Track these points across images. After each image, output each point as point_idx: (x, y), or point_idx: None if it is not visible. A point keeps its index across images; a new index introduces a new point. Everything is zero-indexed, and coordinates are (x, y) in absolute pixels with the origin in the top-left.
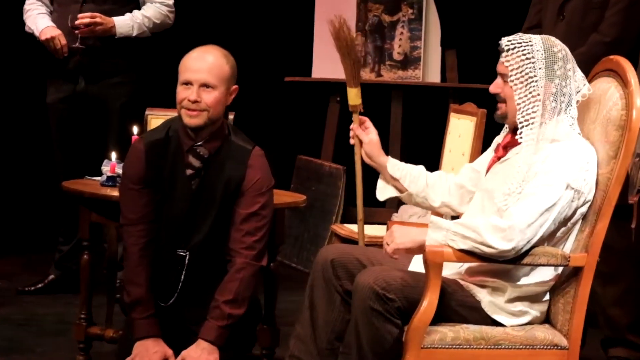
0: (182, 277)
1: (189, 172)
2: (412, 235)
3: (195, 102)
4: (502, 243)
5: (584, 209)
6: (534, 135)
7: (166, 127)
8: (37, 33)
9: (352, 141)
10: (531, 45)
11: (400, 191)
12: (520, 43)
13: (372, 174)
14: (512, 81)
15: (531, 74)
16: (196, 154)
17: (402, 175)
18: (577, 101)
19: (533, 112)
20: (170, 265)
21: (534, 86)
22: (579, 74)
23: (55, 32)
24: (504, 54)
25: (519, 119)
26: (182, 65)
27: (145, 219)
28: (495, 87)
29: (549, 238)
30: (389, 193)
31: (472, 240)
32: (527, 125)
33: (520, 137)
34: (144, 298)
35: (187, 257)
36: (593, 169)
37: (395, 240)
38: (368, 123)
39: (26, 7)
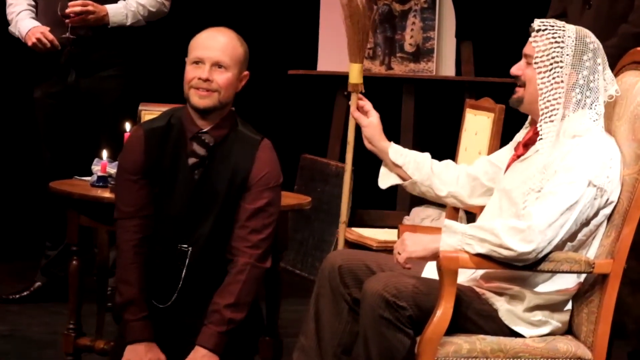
0: (183, 274)
1: (192, 160)
2: (424, 243)
3: (206, 80)
4: (522, 245)
5: (607, 210)
6: (555, 128)
7: (168, 115)
8: (22, 39)
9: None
10: (563, 30)
11: (404, 179)
12: (553, 26)
13: (376, 171)
14: (536, 63)
15: (557, 59)
16: (201, 142)
17: (405, 161)
18: (604, 101)
19: (555, 100)
20: (171, 261)
21: (558, 72)
22: (609, 72)
23: (39, 32)
24: (533, 34)
25: (540, 106)
26: (194, 43)
27: (140, 212)
28: (516, 68)
29: (571, 241)
30: (391, 181)
31: (490, 243)
32: (548, 115)
33: (540, 128)
34: (137, 298)
35: (189, 253)
36: (616, 166)
37: (407, 249)
38: (368, 105)
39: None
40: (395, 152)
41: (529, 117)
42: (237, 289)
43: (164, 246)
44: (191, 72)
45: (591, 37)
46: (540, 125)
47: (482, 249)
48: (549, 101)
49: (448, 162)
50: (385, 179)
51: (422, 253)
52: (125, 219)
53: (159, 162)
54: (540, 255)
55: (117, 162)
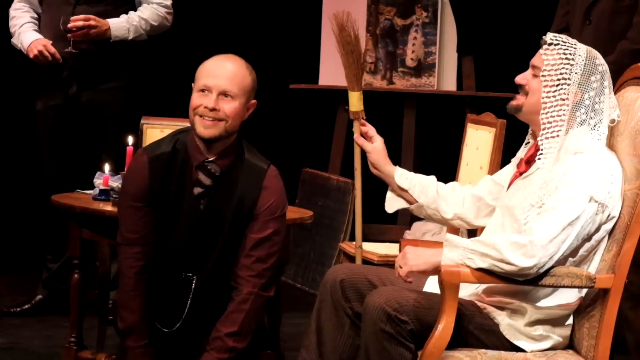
0: (189, 302)
1: (197, 190)
2: (426, 257)
3: (213, 110)
4: (523, 260)
5: (608, 226)
6: (556, 145)
7: (173, 139)
8: (24, 51)
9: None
10: (575, 48)
11: (410, 202)
12: (565, 42)
13: (380, 187)
14: (543, 76)
15: (565, 76)
16: (207, 171)
17: (411, 185)
18: (607, 125)
19: (558, 116)
20: (176, 289)
21: (564, 89)
22: (614, 97)
23: (41, 44)
24: (544, 47)
25: (542, 120)
26: (202, 70)
27: (143, 240)
28: (522, 78)
29: (573, 256)
30: (397, 205)
31: (492, 257)
32: (550, 131)
33: (542, 144)
34: (138, 326)
35: (194, 282)
36: (618, 181)
37: (408, 263)
38: (372, 131)
39: (12, 12)
40: (401, 176)
41: (529, 133)
42: (240, 317)
43: (168, 274)
44: (197, 100)
45: (600, 59)
46: (542, 141)
47: (484, 263)
48: (552, 117)
49: (454, 185)
50: (392, 204)
51: (423, 267)
52: (127, 245)
53: (163, 189)
54: (542, 270)
55: (119, 176)
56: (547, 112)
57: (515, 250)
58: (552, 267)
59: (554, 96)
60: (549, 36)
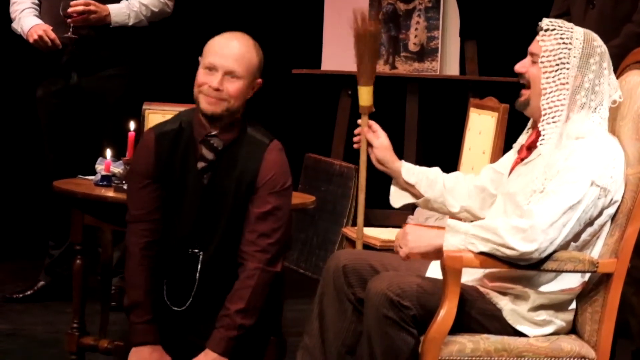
0: (197, 278)
1: (200, 165)
2: (427, 239)
3: (217, 89)
4: (524, 244)
5: (611, 210)
6: (557, 130)
7: (179, 117)
8: (24, 36)
9: (356, 145)
10: (571, 32)
11: (416, 197)
12: (562, 27)
13: (383, 173)
14: (542, 62)
15: (564, 60)
16: (209, 146)
17: (417, 180)
18: (608, 106)
19: (559, 101)
20: (184, 266)
21: (564, 73)
22: (614, 77)
23: (41, 29)
24: (541, 33)
25: (542, 106)
26: (210, 46)
27: (149, 216)
28: (521, 66)
29: (575, 241)
30: (404, 199)
31: (493, 242)
32: (551, 116)
33: (543, 129)
34: (143, 301)
35: (200, 257)
36: (620, 165)
37: (409, 244)
38: (375, 126)
39: None
40: (408, 172)
41: (530, 121)
42: (247, 294)
43: (175, 251)
44: (203, 77)
45: (598, 41)
46: (543, 127)
47: (485, 247)
48: (552, 102)
49: (457, 175)
50: (398, 198)
51: (424, 249)
52: (133, 222)
53: (169, 165)
54: (544, 255)
55: (120, 162)
56: (548, 98)
57: (515, 235)
58: (555, 251)
59: (554, 81)
60: (545, 22)
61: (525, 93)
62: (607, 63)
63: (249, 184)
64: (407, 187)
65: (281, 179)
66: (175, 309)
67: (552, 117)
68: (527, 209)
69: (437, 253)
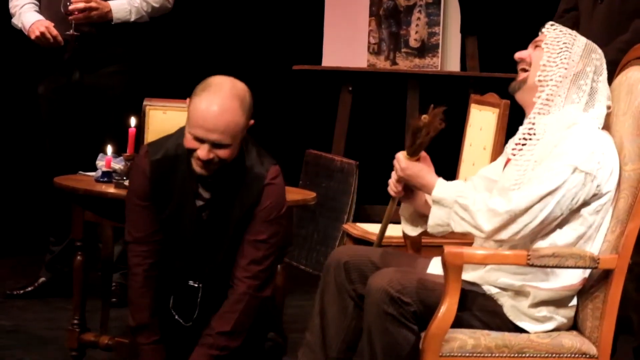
0: (197, 309)
1: (199, 203)
2: (422, 182)
3: (207, 160)
4: (494, 227)
5: (602, 200)
6: (549, 121)
7: (175, 142)
8: (25, 32)
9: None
10: (574, 38)
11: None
12: (563, 30)
13: (384, 168)
14: (546, 44)
15: (569, 44)
16: (207, 184)
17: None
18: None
19: (556, 87)
20: (184, 297)
21: (566, 55)
22: (608, 89)
23: (43, 26)
24: (546, 26)
25: (539, 80)
26: (194, 115)
27: (150, 238)
28: (522, 52)
29: (560, 227)
30: (420, 228)
31: (467, 222)
32: (546, 104)
33: (535, 120)
34: (148, 323)
35: (200, 290)
36: (610, 152)
37: (406, 172)
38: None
39: None
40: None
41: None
42: (233, 317)
43: (174, 282)
44: (191, 143)
45: (598, 52)
46: (535, 117)
47: (461, 228)
48: (549, 77)
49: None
50: (412, 229)
51: (416, 185)
52: (134, 244)
53: (166, 194)
54: (517, 238)
55: (121, 158)
56: (546, 73)
57: (490, 219)
58: (535, 238)
59: (554, 61)
60: (548, 24)
61: (521, 74)
62: (604, 76)
63: (247, 217)
64: (423, 210)
65: (276, 208)
66: (184, 324)
67: (547, 105)
68: (508, 195)
69: (419, 194)
